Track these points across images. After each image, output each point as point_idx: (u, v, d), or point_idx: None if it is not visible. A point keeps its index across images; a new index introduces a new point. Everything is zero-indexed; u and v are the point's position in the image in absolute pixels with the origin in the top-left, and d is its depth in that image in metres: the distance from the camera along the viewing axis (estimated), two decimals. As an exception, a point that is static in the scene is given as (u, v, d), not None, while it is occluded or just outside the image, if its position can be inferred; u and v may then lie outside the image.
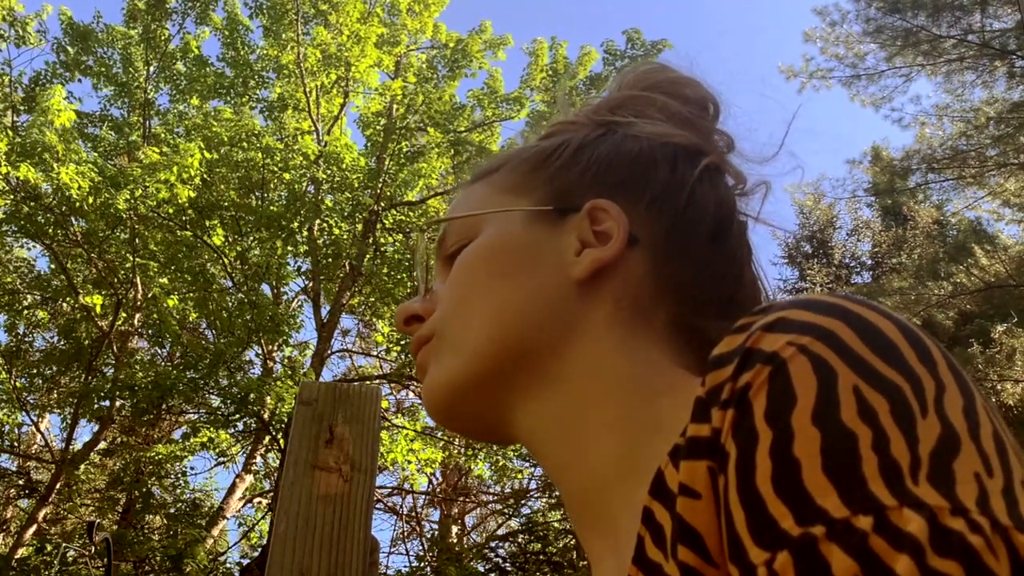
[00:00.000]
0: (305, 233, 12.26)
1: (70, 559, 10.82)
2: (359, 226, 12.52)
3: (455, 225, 0.67)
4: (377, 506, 10.80)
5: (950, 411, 0.37)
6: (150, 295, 11.82)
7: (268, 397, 10.54)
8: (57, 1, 16.50)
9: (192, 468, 16.25)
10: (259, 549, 12.29)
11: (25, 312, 12.78)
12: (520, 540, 11.38)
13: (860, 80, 11.65)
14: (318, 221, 12.04)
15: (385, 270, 12.10)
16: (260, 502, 13.21)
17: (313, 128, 13.20)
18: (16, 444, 13.61)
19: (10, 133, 10.43)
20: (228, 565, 12.74)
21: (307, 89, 12.96)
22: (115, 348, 11.92)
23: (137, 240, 11.40)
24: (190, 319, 12.62)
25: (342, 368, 15.64)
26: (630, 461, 0.53)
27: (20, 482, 13.36)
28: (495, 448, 11.63)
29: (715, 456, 0.41)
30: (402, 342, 12.28)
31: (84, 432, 14.09)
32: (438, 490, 14.03)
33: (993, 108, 11.30)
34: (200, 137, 11.41)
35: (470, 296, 0.62)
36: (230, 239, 11.92)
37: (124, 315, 11.81)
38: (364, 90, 13.75)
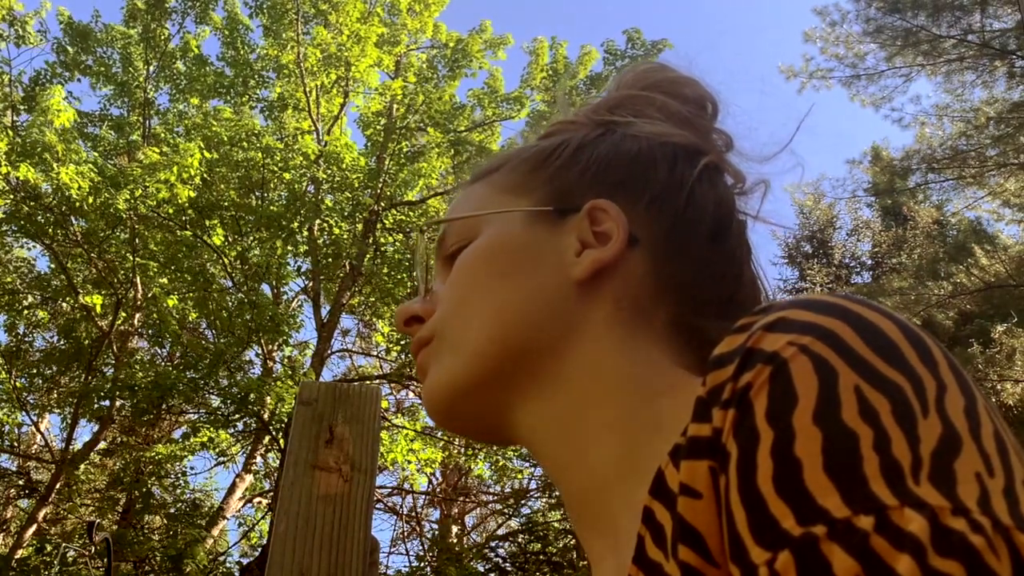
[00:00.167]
0: (305, 233, 12.26)
1: (70, 559, 10.82)
2: (359, 226, 12.52)
3: (455, 225, 0.66)
4: (377, 506, 10.80)
5: (951, 411, 0.37)
6: (150, 295, 11.82)
7: (268, 397, 10.54)
8: (56, 0, 16.53)
9: (192, 468, 16.27)
10: (259, 549, 12.29)
11: (25, 312, 12.77)
12: (520, 540, 11.38)
13: (860, 80, 11.65)
14: (318, 221, 12.03)
15: (385, 270, 12.10)
16: (260, 502, 13.21)
17: (313, 128, 13.20)
18: (16, 444, 13.61)
19: (10, 133, 10.43)
20: (228, 565, 12.74)
21: (307, 89, 12.95)
22: (115, 348, 11.92)
23: (137, 240, 11.40)
24: (190, 319, 12.62)
25: (342, 368, 15.65)
26: (630, 461, 0.53)
27: (20, 482, 13.36)
28: (495, 448, 11.62)
29: (716, 456, 0.41)
30: (402, 342, 12.28)
31: (84, 432, 14.11)
32: (438, 490, 14.03)
33: (993, 108, 11.30)
34: (200, 137, 11.41)
35: (470, 297, 0.61)
36: (230, 239, 11.92)
37: (124, 315, 11.80)
38: (364, 90, 13.75)
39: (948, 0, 10.71)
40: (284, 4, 12.99)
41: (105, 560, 8.61)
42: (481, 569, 10.98)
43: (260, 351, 12.12)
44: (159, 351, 13.61)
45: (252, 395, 10.58)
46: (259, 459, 12.51)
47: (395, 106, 13.28)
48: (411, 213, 12.99)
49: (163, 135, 12.64)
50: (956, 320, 12.05)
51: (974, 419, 0.38)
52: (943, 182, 12.15)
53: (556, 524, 11.15)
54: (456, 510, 14.16)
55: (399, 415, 12.98)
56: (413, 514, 13.55)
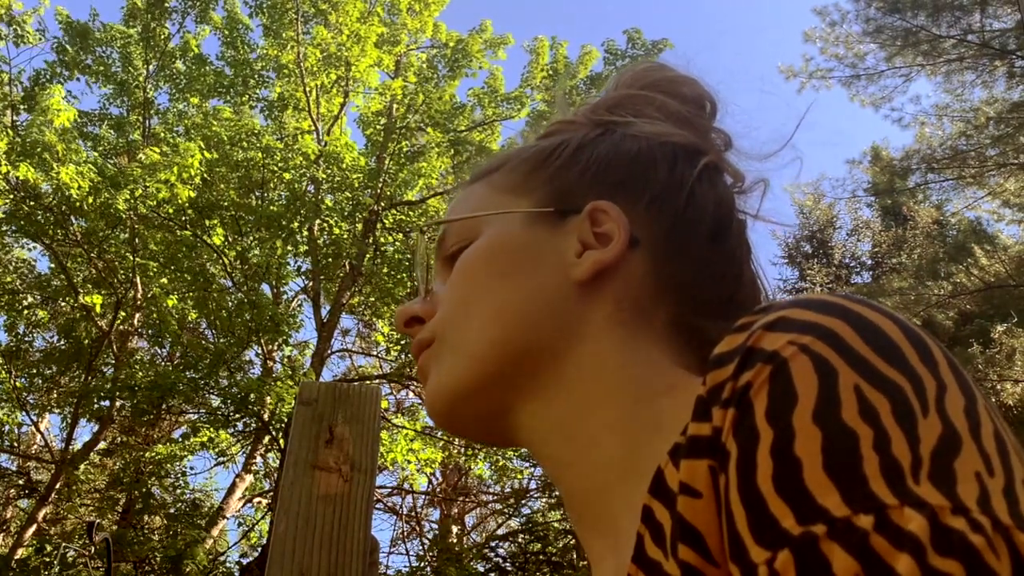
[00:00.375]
0: (305, 233, 12.25)
1: (70, 559, 10.81)
2: (359, 226, 12.52)
3: (455, 226, 0.66)
4: (377, 506, 10.80)
5: (951, 411, 0.37)
6: (150, 295, 11.81)
7: (268, 397, 10.54)
8: (55, -1, 16.45)
9: (192, 468, 16.26)
10: (259, 549, 12.29)
11: (25, 312, 12.76)
12: (520, 540, 11.37)
13: (860, 80, 11.65)
14: (318, 221, 12.03)
15: (385, 270, 12.09)
16: (260, 502, 13.21)
17: (313, 128, 13.19)
18: (16, 444, 13.60)
19: (10, 132, 10.43)
20: (228, 565, 12.74)
21: (307, 88, 12.95)
22: (115, 348, 11.91)
23: (137, 240, 11.39)
24: (190, 319, 12.61)
25: (342, 368, 15.65)
26: (631, 461, 0.52)
27: (20, 482, 13.36)
28: (495, 448, 11.62)
29: (716, 455, 0.41)
30: (402, 342, 12.27)
31: (84, 432, 14.10)
32: (438, 490, 14.03)
33: (993, 108, 11.30)
34: (200, 136, 11.41)
35: (470, 298, 0.61)
36: (230, 239, 11.92)
37: (124, 315, 11.80)
38: (364, 90, 13.74)
39: (948, 0, 10.71)
40: (284, 4, 12.98)
41: (105, 560, 8.61)
42: (481, 569, 10.98)
43: (260, 351, 12.12)
44: (159, 351, 13.61)
45: (252, 395, 10.58)
46: (259, 459, 12.50)
47: (395, 106, 13.27)
48: (411, 213, 12.99)
49: (163, 135, 12.64)
50: (956, 320, 12.05)
51: (974, 419, 0.38)
52: (943, 182, 12.15)
53: (556, 524, 11.15)
54: (456, 510, 14.16)
55: (399, 415, 12.98)
56: (413, 514, 13.55)
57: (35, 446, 14.63)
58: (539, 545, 10.95)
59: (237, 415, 11.26)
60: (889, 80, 11.64)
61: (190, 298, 12.12)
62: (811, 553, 0.34)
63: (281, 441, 10.57)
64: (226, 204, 11.82)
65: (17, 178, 9.93)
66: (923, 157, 11.83)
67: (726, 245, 0.64)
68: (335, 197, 12.44)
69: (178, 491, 12.90)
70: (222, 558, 12.74)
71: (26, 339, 13.18)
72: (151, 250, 11.66)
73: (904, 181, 12.34)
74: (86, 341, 12.04)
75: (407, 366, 11.85)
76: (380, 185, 12.45)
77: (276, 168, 11.91)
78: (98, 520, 6.91)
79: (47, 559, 10.37)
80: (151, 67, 13.30)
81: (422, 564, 12.31)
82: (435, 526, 14.31)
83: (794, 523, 0.35)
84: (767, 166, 0.69)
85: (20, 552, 10.74)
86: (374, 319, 13.45)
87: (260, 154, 11.75)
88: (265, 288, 12.69)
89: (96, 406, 11.55)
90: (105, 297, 11.34)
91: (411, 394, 13.37)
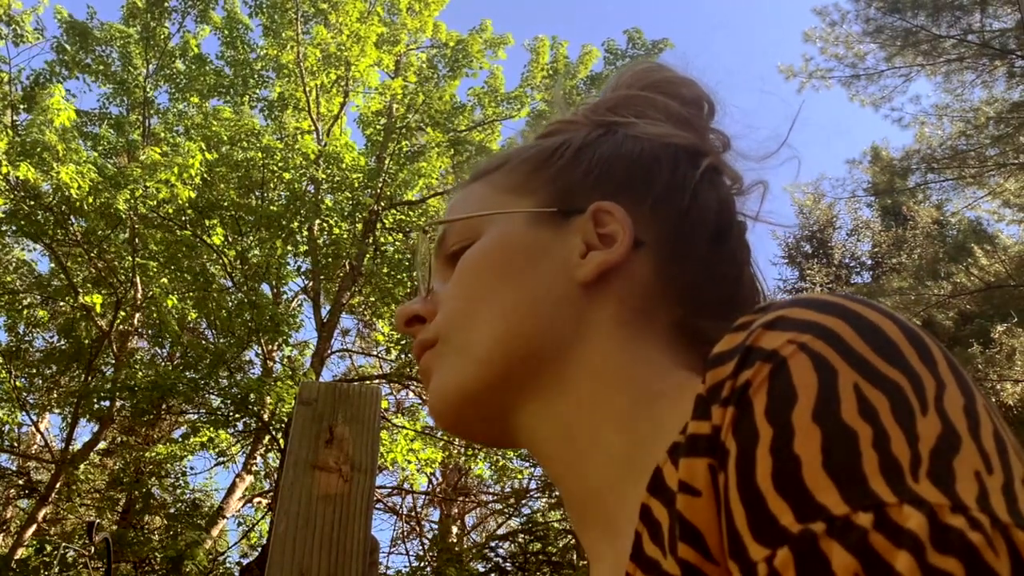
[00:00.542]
0: (305, 233, 12.25)
1: (70, 559, 10.81)
2: (359, 226, 12.51)
3: (456, 225, 0.66)
4: (377, 506, 10.79)
5: (950, 409, 0.38)
6: (150, 295, 11.81)
7: (268, 397, 10.53)
8: (54, -2, 16.40)
9: (192, 468, 16.25)
10: (259, 549, 12.28)
11: (25, 312, 12.76)
12: (520, 540, 11.37)
13: (860, 80, 11.64)
14: (318, 221, 12.02)
15: (385, 270, 12.08)
16: (260, 502, 13.20)
17: (313, 128, 13.19)
18: (16, 444, 13.59)
19: (10, 132, 10.42)
20: (228, 565, 12.74)
21: (307, 88, 12.94)
22: (115, 348, 11.91)
23: (137, 240, 11.39)
24: (190, 319, 12.61)
25: (342, 368, 15.64)
26: (631, 461, 0.53)
27: (20, 482, 13.35)
28: (496, 449, 11.60)
29: (715, 453, 0.41)
30: (402, 342, 12.26)
31: (84, 432, 14.08)
32: (438, 490, 14.02)
33: (993, 108, 11.30)
34: (200, 137, 11.40)
35: (474, 298, 0.61)
36: (230, 239, 11.91)
37: (123, 315, 11.79)
38: (364, 89, 13.74)
39: (948, 0, 10.70)
40: (284, 3, 12.97)
41: (105, 561, 8.60)
42: (481, 569, 10.97)
43: (260, 351, 12.11)
44: (159, 351, 13.60)
45: (252, 395, 10.57)
46: (259, 459, 12.50)
47: (395, 106, 13.27)
48: (411, 213, 12.98)
49: (163, 135, 12.62)
50: (956, 320, 12.05)
51: (973, 418, 0.38)
52: (943, 182, 12.14)
53: (556, 524, 11.14)
54: (456, 510, 14.15)
55: (399, 415, 12.97)
56: (413, 514, 13.55)
57: (35, 446, 14.63)
58: (539, 545, 10.95)
59: (237, 415, 11.26)
60: (889, 80, 11.64)
61: (190, 298, 12.11)
62: (810, 551, 0.34)
63: (281, 441, 10.57)
64: (226, 204, 11.81)
65: (17, 178, 9.92)
66: (923, 157, 11.83)
67: (727, 247, 0.64)
68: (335, 197, 12.44)
69: (178, 491, 12.89)
70: (222, 558, 12.74)
71: (26, 339, 13.18)
72: (151, 250, 11.65)
73: (904, 181, 12.34)
74: (86, 341, 12.03)
75: (407, 366, 11.84)
76: (380, 185, 12.45)
77: (276, 168, 11.90)
78: (98, 520, 6.92)
79: (47, 559, 10.36)
80: (151, 66, 13.29)
81: (422, 564, 12.30)
82: (435, 526, 14.30)
83: (793, 521, 0.36)
84: (765, 166, 0.69)
85: (20, 552, 10.73)
86: (374, 319, 13.44)
87: (260, 154, 11.74)
88: (265, 288, 12.69)
89: (96, 406, 11.54)
90: (105, 297, 11.33)
91: (411, 394, 13.36)
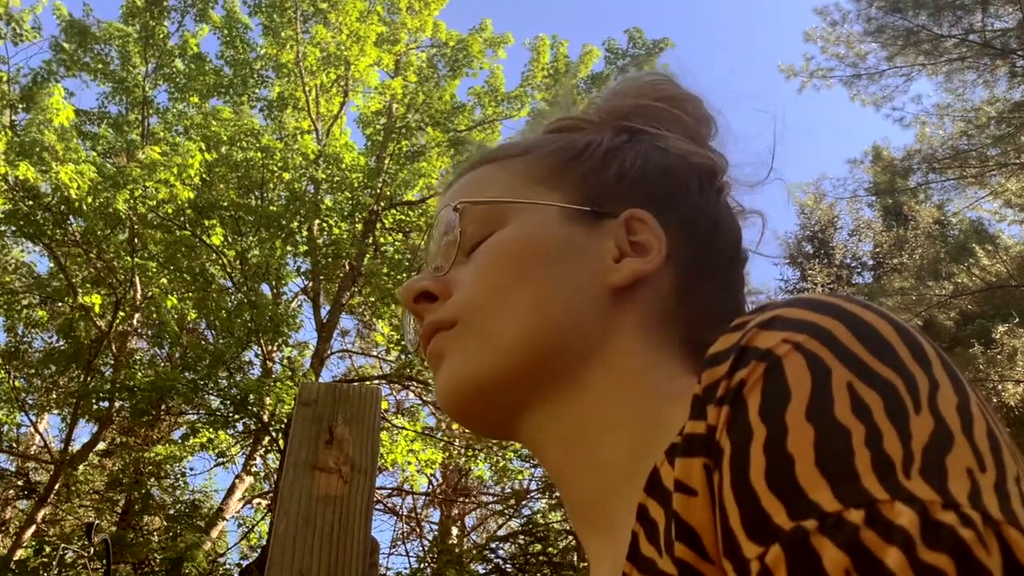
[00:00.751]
0: (305, 233, 12.25)
1: (69, 560, 10.81)
2: (359, 226, 12.51)
3: (476, 208, 0.64)
4: (377, 507, 10.77)
5: (944, 408, 0.38)
6: (149, 295, 11.81)
7: (268, 398, 10.53)
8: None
9: (191, 469, 16.24)
10: (259, 550, 12.27)
11: (24, 312, 12.76)
12: (521, 541, 11.37)
13: (861, 79, 11.67)
14: (318, 221, 12.03)
15: (385, 270, 12.08)
16: (260, 503, 13.20)
17: (313, 127, 13.19)
18: (15, 445, 13.60)
19: (8, 132, 10.42)
20: (228, 566, 12.74)
21: (306, 88, 12.95)
22: (114, 348, 11.91)
23: (136, 240, 11.38)
24: (189, 319, 12.61)
25: (342, 368, 15.63)
26: (636, 464, 0.53)
27: (19, 483, 13.36)
28: (495, 448, 11.61)
29: (710, 453, 0.42)
30: (402, 343, 12.25)
31: (83, 433, 14.09)
32: (438, 491, 14.02)
33: (994, 108, 11.32)
34: (200, 136, 11.40)
35: (503, 287, 0.59)
36: (229, 239, 11.91)
37: (123, 315, 11.79)
38: (364, 89, 13.74)
39: (949, 0, 10.71)
40: (283, 3, 12.97)
41: (104, 562, 8.60)
42: (481, 571, 10.98)
43: (260, 351, 12.11)
44: (158, 351, 13.61)
45: (252, 396, 10.57)
46: (258, 460, 12.50)
47: (395, 105, 13.27)
48: (411, 213, 12.98)
49: (162, 134, 12.62)
50: (957, 320, 12.07)
51: (967, 417, 0.38)
52: (944, 182, 12.17)
53: (557, 525, 11.15)
54: (456, 511, 14.15)
55: (399, 416, 12.97)
56: (413, 515, 13.55)
57: (34, 447, 14.63)
58: (540, 546, 10.95)
59: (237, 416, 11.26)
60: (890, 79, 11.66)
61: (189, 298, 12.11)
62: (802, 548, 0.35)
63: (281, 442, 10.56)
64: (225, 204, 11.81)
65: (16, 178, 9.91)
66: (924, 157, 11.85)
67: (739, 271, 0.67)
68: (335, 197, 12.44)
69: (177, 492, 12.90)
70: (222, 559, 12.74)
71: (25, 339, 13.18)
72: (150, 250, 11.65)
73: (905, 181, 12.37)
74: (85, 341, 12.03)
75: (407, 367, 11.84)
76: (380, 185, 12.45)
77: (276, 168, 11.90)
78: (97, 521, 6.90)
79: (46, 560, 10.36)
80: (150, 66, 13.29)
81: (422, 566, 12.30)
82: (435, 527, 14.30)
83: (786, 518, 0.36)
84: (755, 191, 0.71)
85: (19, 553, 10.73)
86: (374, 319, 13.44)
87: (260, 154, 11.74)
88: (265, 288, 12.69)
89: (95, 407, 11.54)
90: (104, 297, 11.33)
91: (411, 395, 13.36)
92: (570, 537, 10.60)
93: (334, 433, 1.39)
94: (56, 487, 11.41)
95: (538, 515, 12.09)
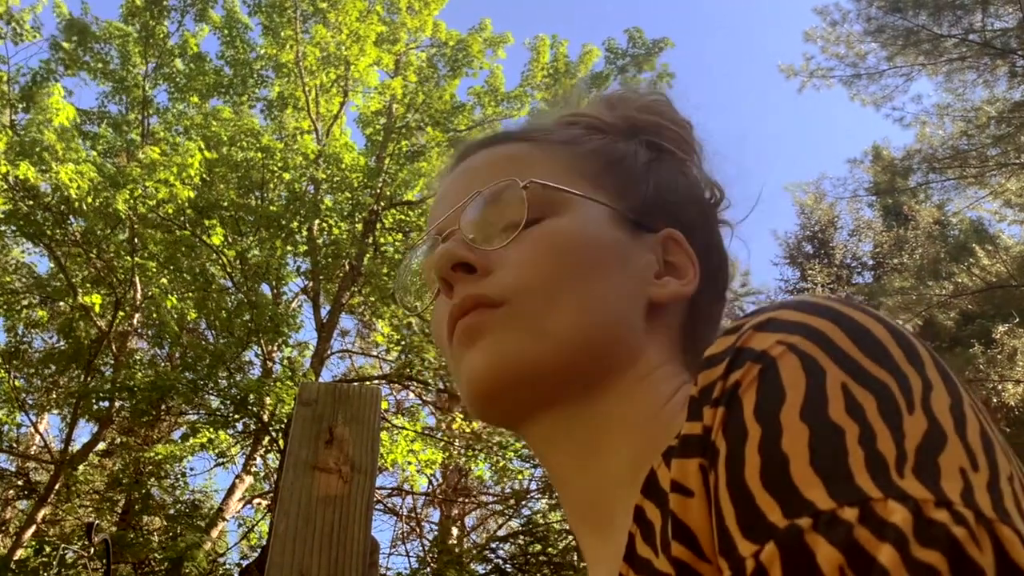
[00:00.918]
0: (305, 233, 12.24)
1: (69, 561, 10.80)
2: (359, 226, 12.50)
3: (534, 189, 0.62)
4: (377, 507, 10.76)
5: (937, 409, 0.38)
6: (149, 295, 11.80)
7: (268, 398, 10.53)
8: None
9: (192, 469, 16.22)
10: (259, 550, 12.26)
11: (24, 312, 12.75)
12: (521, 541, 11.36)
13: (861, 79, 11.67)
14: (318, 221, 12.02)
15: (385, 270, 12.07)
16: (260, 503, 13.19)
17: (312, 127, 13.18)
18: (15, 445, 13.59)
19: (8, 132, 10.41)
20: (228, 566, 12.73)
21: (306, 88, 12.94)
22: (114, 348, 11.90)
23: (136, 240, 11.38)
24: (189, 319, 12.60)
25: (342, 368, 15.62)
26: (638, 468, 0.53)
27: (19, 483, 13.35)
28: (495, 448, 11.61)
29: (706, 453, 0.42)
30: (402, 342, 12.26)
31: (83, 433, 14.08)
32: (438, 491, 14.02)
33: (994, 107, 11.31)
34: (200, 136, 11.39)
35: (559, 277, 0.58)
36: (229, 239, 11.90)
37: (123, 315, 11.79)
38: (363, 89, 13.73)
39: (949, -1, 10.71)
40: (283, 2, 12.96)
41: (104, 562, 8.59)
42: (481, 571, 10.97)
43: (260, 352, 12.10)
44: (159, 351, 13.60)
45: (252, 396, 10.56)
46: (259, 460, 12.48)
47: (395, 105, 13.26)
48: (411, 213, 12.97)
49: (162, 134, 12.61)
50: (957, 320, 12.06)
51: (960, 417, 0.39)
52: (944, 182, 12.16)
53: (557, 525, 11.14)
54: (456, 511, 14.15)
55: (399, 416, 12.96)
56: (413, 515, 13.54)
57: (34, 447, 14.62)
58: (539, 546, 10.95)
59: (237, 416, 11.25)
60: (890, 79, 11.66)
61: (189, 298, 12.10)
62: (796, 545, 0.35)
63: (281, 442, 10.56)
64: (226, 204, 11.80)
65: (16, 177, 9.90)
66: (924, 157, 11.84)
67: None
68: (335, 197, 12.43)
69: (178, 492, 12.89)
70: (222, 559, 12.73)
71: (25, 339, 13.17)
72: (150, 250, 11.64)
73: (905, 181, 12.37)
74: (85, 341, 12.02)
75: (407, 367, 11.84)
76: (380, 185, 12.44)
77: (276, 168, 11.90)
78: (97, 521, 6.90)
79: (46, 560, 10.36)
80: (150, 65, 13.27)
81: (422, 566, 12.29)
82: (435, 527, 14.30)
83: (780, 517, 0.36)
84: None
85: (19, 553, 10.72)
86: (374, 319, 13.43)
87: (260, 154, 11.73)
88: (265, 288, 12.68)
89: (95, 407, 11.53)
90: (104, 297, 11.33)
91: (411, 395, 13.35)
92: (570, 537, 10.60)
93: (334, 433, 1.39)
94: (56, 487, 11.40)
95: (538, 515, 12.08)
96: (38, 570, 10.19)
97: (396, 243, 12.62)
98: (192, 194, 10.91)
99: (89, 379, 11.75)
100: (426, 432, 12.13)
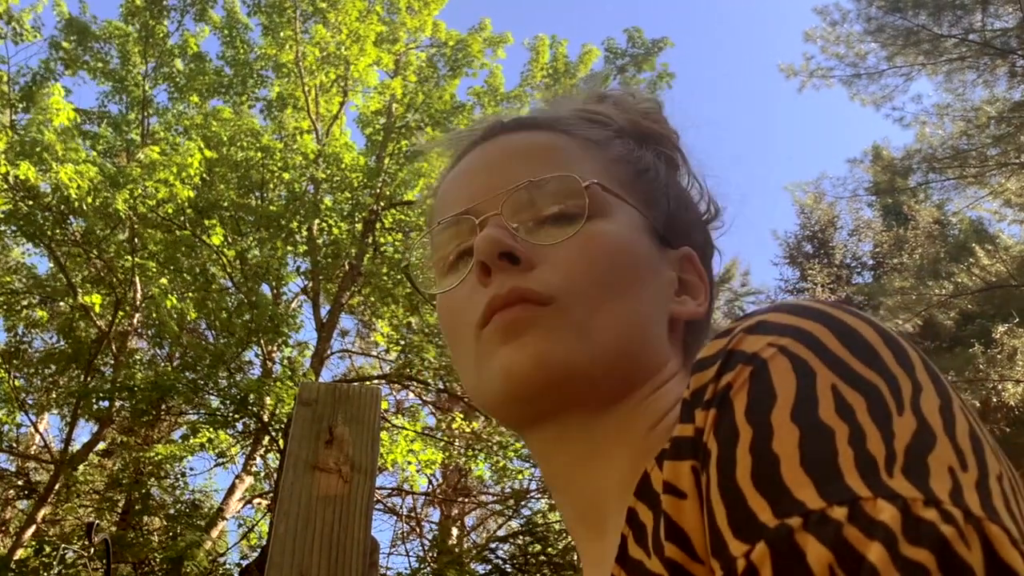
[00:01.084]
0: (305, 233, 12.24)
1: (69, 560, 10.79)
2: (359, 226, 12.50)
3: (582, 187, 0.61)
4: (377, 507, 10.75)
5: (926, 410, 0.39)
6: (149, 295, 11.79)
7: (268, 398, 10.52)
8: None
9: (191, 469, 16.23)
10: (259, 550, 12.26)
11: (24, 312, 12.75)
12: (521, 541, 11.36)
13: (861, 79, 11.66)
14: (317, 221, 12.01)
15: (385, 270, 12.07)
16: (260, 503, 13.18)
17: (312, 127, 13.18)
18: (15, 445, 13.58)
19: (9, 132, 10.41)
20: (227, 566, 12.72)
21: (306, 88, 12.94)
22: (114, 348, 11.90)
23: (136, 240, 11.37)
24: (189, 319, 12.59)
25: (342, 368, 15.62)
26: (635, 472, 0.54)
27: (19, 483, 13.34)
28: (496, 448, 11.60)
29: (698, 455, 0.43)
30: (402, 342, 12.26)
31: (83, 432, 14.08)
32: (438, 491, 14.01)
33: (994, 107, 11.31)
34: (200, 136, 11.39)
35: (605, 283, 0.58)
36: (229, 239, 11.90)
37: (122, 315, 11.78)
38: (363, 89, 13.73)
39: (949, -1, 10.70)
40: (282, 2, 12.96)
41: (104, 561, 8.59)
42: (481, 571, 10.96)
43: (260, 351, 12.10)
44: (159, 351, 13.59)
45: (252, 396, 10.55)
46: (259, 460, 12.48)
47: (395, 105, 13.26)
48: (411, 213, 12.97)
49: (162, 134, 12.61)
50: (957, 320, 12.06)
51: (949, 417, 0.39)
52: (944, 181, 12.15)
53: (556, 525, 11.13)
54: (456, 511, 14.15)
55: (399, 416, 12.96)
56: (413, 515, 13.54)
57: (34, 447, 14.62)
58: (539, 546, 10.94)
59: (237, 416, 11.24)
60: (890, 79, 11.66)
61: (190, 298, 12.09)
62: (786, 544, 0.35)
63: (281, 442, 10.55)
64: (226, 204, 11.80)
65: (16, 177, 9.90)
66: (924, 156, 11.84)
67: None
68: (335, 197, 12.42)
69: (177, 492, 12.88)
70: (222, 559, 12.72)
71: (25, 339, 13.17)
72: (150, 250, 11.64)
73: (905, 181, 12.36)
74: (85, 341, 12.01)
75: (407, 366, 11.83)
76: (380, 185, 12.43)
77: (276, 168, 11.89)
78: (97, 521, 6.90)
79: (46, 560, 10.35)
80: (149, 65, 13.27)
81: (422, 565, 12.29)
82: (435, 527, 14.30)
83: (771, 516, 0.37)
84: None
85: (19, 553, 10.72)
86: (374, 319, 13.43)
87: (259, 154, 11.73)
88: (265, 288, 12.68)
89: (95, 407, 11.52)
90: (104, 297, 11.32)
91: (411, 395, 13.35)
92: (570, 537, 10.58)
93: (334, 433, 1.39)
94: (56, 487, 11.40)
95: (538, 515, 12.08)
96: (38, 570, 10.18)
97: (396, 243, 12.61)
98: (192, 194, 10.90)
99: (89, 379, 11.75)
100: (426, 432, 12.13)
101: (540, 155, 0.63)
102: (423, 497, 13.83)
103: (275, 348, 12.11)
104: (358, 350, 15.45)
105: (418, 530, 13.58)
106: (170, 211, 11.06)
